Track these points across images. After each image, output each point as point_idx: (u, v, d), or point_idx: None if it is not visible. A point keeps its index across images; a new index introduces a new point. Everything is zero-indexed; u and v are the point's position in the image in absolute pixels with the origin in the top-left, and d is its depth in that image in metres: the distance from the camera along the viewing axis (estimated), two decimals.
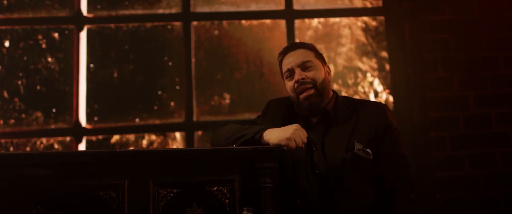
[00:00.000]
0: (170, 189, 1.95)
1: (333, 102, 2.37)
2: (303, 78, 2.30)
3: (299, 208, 2.24)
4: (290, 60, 2.37)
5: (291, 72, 2.36)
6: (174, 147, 3.82)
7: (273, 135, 2.09)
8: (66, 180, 1.93)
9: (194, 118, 3.80)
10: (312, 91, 2.29)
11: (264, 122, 2.44)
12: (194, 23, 3.92)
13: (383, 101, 3.93)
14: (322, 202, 2.22)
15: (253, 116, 3.83)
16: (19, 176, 1.91)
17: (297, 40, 3.89)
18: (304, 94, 2.30)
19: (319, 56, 2.42)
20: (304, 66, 2.34)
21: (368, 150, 2.21)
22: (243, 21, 3.98)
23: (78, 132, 3.74)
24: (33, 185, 1.91)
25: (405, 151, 2.32)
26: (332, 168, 2.21)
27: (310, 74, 2.32)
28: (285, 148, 2.03)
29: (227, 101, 3.87)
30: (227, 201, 1.96)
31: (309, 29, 4.00)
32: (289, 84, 2.37)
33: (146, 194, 1.94)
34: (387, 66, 3.95)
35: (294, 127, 2.11)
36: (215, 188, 1.96)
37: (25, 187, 1.91)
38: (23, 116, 3.72)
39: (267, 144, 2.08)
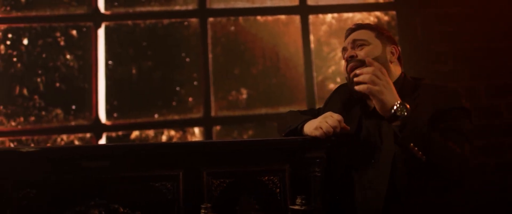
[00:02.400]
0: (223, 179, 2.01)
1: (399, 85, 2.22)
2: (351, 56, 2.26)
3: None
4: (346, 40, 2.37)
5: (344, 51, 2.35)
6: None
7: (307, 127, 2.14)
8: (123, 172, 1.98)
9: (212, 113, 3.85)
10: (359, 70, 2.14)
11: (325, 109, 2.42)
12: (211, 19, 3.96)
13: None
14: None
15: (270, 111, 3.91)
16: (76, 168, 1.95)
17: (311, 36, 3.97)
18: (352, 73, 2.21)
19: (383, 36, 2.35)
20: (355, 44, 2.30)
21: None
22: (259, 17, 4.02)
23: (98, 128, 3.77)
24: (91, 178, 1.96)
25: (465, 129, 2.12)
26: (386, 156, 2.15)
27: (361, 52, 2.26)
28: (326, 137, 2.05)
29: (245, 96, 3.92)
30: (278, 190, 2.02)
31: (323, 24, 4.07)
32: (343, 64, 2.34)
33: (200, 184, 1.99)
34: None
35: (324, 115, 2.12)
36: (266, 177, 2.02)
37: (82, 179, 1.95)
38: (43, 113, 3.74)
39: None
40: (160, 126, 3.87)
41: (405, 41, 3.99)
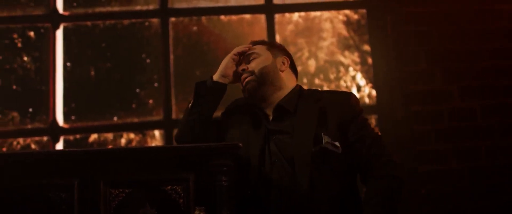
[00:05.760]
0: (122, 189, 1.89)
1: (293, 96, 2.39)
2: (243, 70, 2.41)
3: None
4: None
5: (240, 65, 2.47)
6: (153, 145, 3.77)
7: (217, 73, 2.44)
8: (15, 180, 1.88)
9: (173, 116, 3.74)
10: (250, 78, 2.36)
11: (231, 119, 2.50)
12: (172, 19, 3.85)
13: (365, 96, 3.88)
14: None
15: None
16: None
17: (277, 35, 3.83)
18: (244, 82, 2.39)
19: (274, 48, 2.50)
20: (247, 59, 2.44)
21: (337, 143, 2.17)
22: (222, 17, 3.92)
23: (55, 132, 3.68)
24: None
25: (375, 132, 2.34)
26: (300, 162, 2.19)
27: (251, 64, 2.40)
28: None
29: None
30: (181, 200, 1.90)
31: (290, 23, 3.94)
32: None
33: (96, 194, 1.88)
34: (370, 60, 3.88)
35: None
36: (169, 187, 1.91)
37: None
38: None
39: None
40: (119, 129, 3.79)
41: (376, 40, 3.84)
